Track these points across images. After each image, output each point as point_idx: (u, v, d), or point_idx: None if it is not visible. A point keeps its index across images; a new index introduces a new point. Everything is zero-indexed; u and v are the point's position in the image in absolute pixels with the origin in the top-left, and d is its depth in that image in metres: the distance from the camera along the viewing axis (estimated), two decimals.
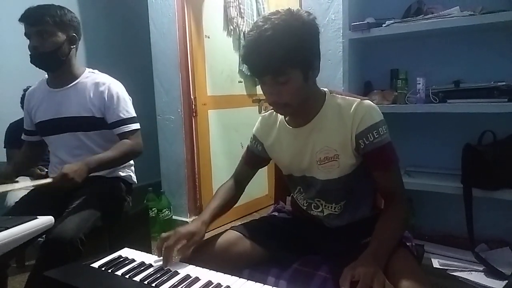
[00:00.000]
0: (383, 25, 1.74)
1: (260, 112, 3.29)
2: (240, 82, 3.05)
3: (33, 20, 1.44)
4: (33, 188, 1.43)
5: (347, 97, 1.05)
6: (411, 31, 1.68)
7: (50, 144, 1.64)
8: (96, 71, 1.64)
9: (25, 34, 1.47)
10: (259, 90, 3.25)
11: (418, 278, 0.84)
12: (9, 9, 2.52)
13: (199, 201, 2.81)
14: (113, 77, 1.64)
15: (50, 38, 1.46)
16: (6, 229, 1.02)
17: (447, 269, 1.63)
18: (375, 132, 0.99)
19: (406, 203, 1.04)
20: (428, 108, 1.70)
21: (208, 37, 2.74)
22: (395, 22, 1.72)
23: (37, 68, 1.55)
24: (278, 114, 1.16)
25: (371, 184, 1.09)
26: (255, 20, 2.98)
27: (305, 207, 1.16)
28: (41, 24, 1.44)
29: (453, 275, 1.59)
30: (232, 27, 2.85)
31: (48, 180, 1.35)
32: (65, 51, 1.52)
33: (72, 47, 1.54)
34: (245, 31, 2.95)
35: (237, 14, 2.85)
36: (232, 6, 2.80)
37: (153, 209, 2.63)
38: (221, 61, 2.87)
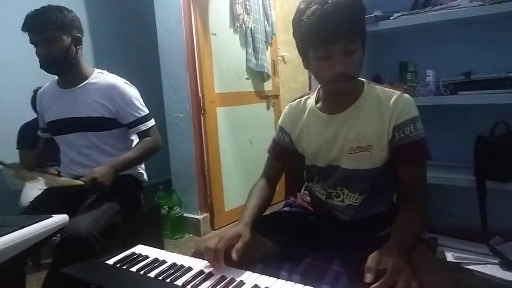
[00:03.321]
0: (391, 18, 1.72)
1: (268, 108, 3.29)
2: (247, 79, 3.05)
3: (37, 29, 1.43)
4: (64, 186, 1.44)
5: (386, 89, 1.06)
6: (419, 23, 1.66)
7: (61, 143, 1.67)
8: (105, 71, 1.66)
9: (31, 42, 1.47)
10: (266, 86, 3.26)
11: (438, 272, 0.84)
12: (18, 11, 2.55)
13: (210, 198, 2.82)
14: (122, 77, 1.66)
15: (57, 44, 1.47)
16: (22, 228, 1.04)
17: (461, 262, 1.61)
18: (412, 126, 1.00)
19: (426, 201, 1.03)
20: (439, 101, 1.69)
21: (215, 35, 2.74)
22: (403, 15, 1.70)
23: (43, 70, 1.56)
24: (308, 101, 1.15)
25: (394, 181, 1.08)
26: (261, 16, 3.02)
27: (324, 197, 1.15)
28: (45, 31, 1.44)
29: (467, 268, 1.58)
30: (238, 24, 2.85)
31: (80, 182, 1.42)
32: (72, 54, 1.53)
33: (78, 47, 1.55)
34: (251, 27, 2.94)
35: (243, 11, 2.85)
36: (238, 3, 2.80)
37: (164, 207, 2.65)
38: (228, 58, 2.88)
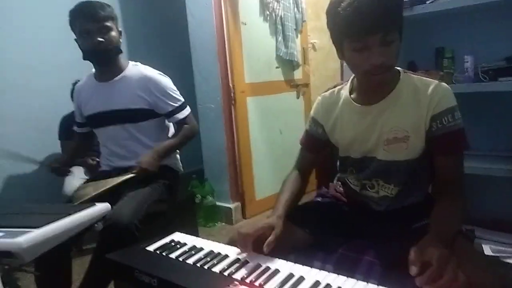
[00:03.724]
0: (427, 2, 1.66)
1: (298, 97, 3.27)
2: (277, 67, 3.04)
3: (95, 17, 1.48)
4: (119, 183, 1.51)
5: (424, 78, 1.04)
6: (457, 7, 1.59)
7: (100, 136, 1.73)
8: (139, 63, 1.70)
9: (83, 31, 1.50)
10: (296, 75, 3.24)
11: (483, 266, 0.84)
12: (57, 9, 2.66)
13: (241, 187, 2.87)
14: (154, 68, 1.70)
15: (112, 33, 1.54)
16: (69, 215, 1.11)
17: (499, 255, 1.56)
18: (450, 116, 0.98)
19: (464, 193, 1.00)
20: (478, 88, 1.62)
21: (245, 24, 2.74)
22: None
23: (85, 62, 1.61)
24: (341, 92, 1.14)
25: (432, 173, 1.07)
26: (291, 3, 2.98)
27: (358, 188, 1.15)
28: (102, 20, 1.50)
29: (507, 262, 1.52)
30: (268, 12, 2.84)
31: (131, 175, 1.51)
32: (119, 46, 1.60)
33: (121, 40, 1.61)
34: (281, 15, 2.92)
35: None
36: None
37: (197, 196, 2.72)
38: (258, 48, 2.88)
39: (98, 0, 1.54)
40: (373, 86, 1.04)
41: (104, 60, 1.58)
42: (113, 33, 1.54)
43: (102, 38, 1.50)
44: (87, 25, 1.49)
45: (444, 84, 1.01)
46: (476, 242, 1.56)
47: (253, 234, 0.94)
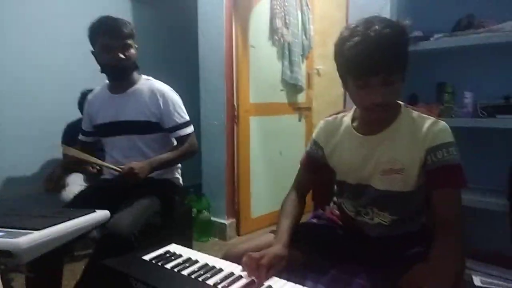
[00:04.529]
0: (431, 39, 1.73)
1: (300, 120, 3.32)
2: (282, 90, 3.11)
3: (118, 34, 1.53)
4: (103, 167, 1.54)
5: (423, 114, 1.06)
6: (459, 45, 1.66)
7: (107, 145, 1.76)
8: (151, 78, 1.75)
9: (105, 46, 1.55)
10: (300, 98, 3.30)
11: None
12: (70, 22, 2.74)
13: (237, 204, 2.88)
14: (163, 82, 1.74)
15: (132, 51, 1.60)
16: (69, 220, 1.13)
17: (489, 287, 1.57)
18: (445, 151, 0.99)
19: (461, 234, 0.97)
20: (476, 123, 1.67)
21: (253, 47, 2.82)
22: (444, 36, 1.70)
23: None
24: (344, 119, 1.17)
25: (427, 207, 1.08)
26: (299, 30, 3.07)
27: (353, 214, 1.17)
28: (125, 38, 1.55)
29: None
30: (277, 37, 2.92)
31: (117, 168, 1.51)
32: (136, 62, 1.65)
33: (137, 56, 1.66)
34: (289, 41, 3.00)
35: (283, 25, 2.92)
36: (278, 17, 2.87)
37: (193, 210, 2.73)
38: (265, 70, 2.95)
39: (116, 17, 1.59)
40: (372, 120, 1.08)
41: (122, 75, 1.63)
42: (132, 51, 1.60)
43: (123, 55, 1.56)
44: (110, 41, 1.54)
45: (442, 121, 1.03)
46: (467, 273, 1.57)
47: (267, 266, 0.93)
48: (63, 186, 1.80)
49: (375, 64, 0.92)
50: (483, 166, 1.84)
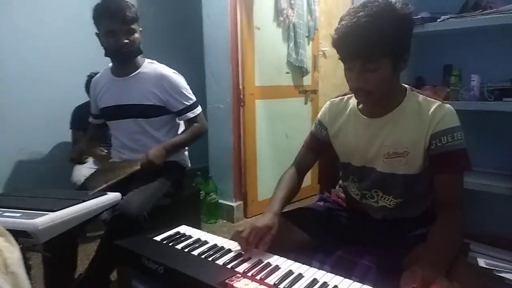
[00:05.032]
0: (438, 20, 1.71)
1: (306, 103, 3.32)
2: (287, 73, 3.10)
3: (122, 18, 1.52)
4: (126, 176, 1.55)
5: (428, 98, 1.06)
6: (466, 27, 1.64)
7: (113, 129, 1.79)
8: (155, 61, 1.75)
9: (109, 31, 1.54)
10: (305, 81, 3.29)
11: (469, 274, 0.88)
12: (77, 4, 2.73)
13: (244, 187, 2.92)
14: (168, 66, 1.75)
15: (136, 35, 1.59)
16: (83, 202, 1.17)
17: (493, 269, 1.60)
18: (450, 136, 1.00)
19: (462, 214, 1.00)
20: (483, 106, 1.66)
21: (258, 28, 2.80)
22: (451, 17, 1.68)
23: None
24: (350, 101, 1.18)
25: (431, 189, 1.10)
26: (304, 11, 3.04)
27: (358, 197, 1.19)
28: (129, 23, 1.54)
29: (499, 276, 1.57)
30: (282, 18, 2.89)
31: (138, 167, 1.56)
32: (140, 45, 1.65)
33: (141, 39, 1.65)
34: (294, 22, 2.97)
35: (288, 5, 2.88)
36: None
37: (201, 192, 2.77)
38: (270, 52, 2.93)
39: (123, 0, 1.57)
40: (364, 104, 1.11)
41: (126, 59, 1.64)
42: (137, 35, 1.60)
43: (127, 39, 1.56)
44: (114, 26, 1.53)
45: (447, 105, 1.04)
46: (471, 256, 1.60)
47: (254, 241, 0.97)
48: (86, 158, 1.95)
49: (351, 50, 0.95)
50: (489, 149, 1.84)
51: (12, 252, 0.73)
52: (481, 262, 1.63)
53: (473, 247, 1.67)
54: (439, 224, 0.98)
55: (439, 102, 1.04)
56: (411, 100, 1.07)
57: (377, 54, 0.94)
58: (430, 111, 1.02)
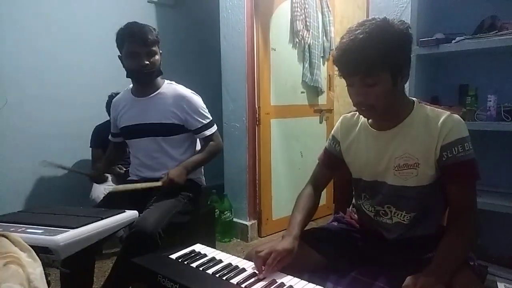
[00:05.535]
0: (453, 41, 1.71)
1: (321, 122, 3.33)
2: (302, 92, 3.13)
3: (144, 41, 1.61)
4: (146, 187, 1.64)
5: (436, 109, 1.07)
6: (481, 48, 1.64)
7: (132, 147, 1.84)
8: (173, 82, 1.82)
9: (131, 53, 1.62)
10: (321, 100, 3.31)
11: None
12: (98, 27, 2.85)
13: (259, 206, 2.92)
14: (186, 86, 1.81)
15: (156, 57, 1.67)
16: (102, 219, 1.20)
17: None
18: (460, 147, 1.00)
19: (475, 224, 1.01)
20: (499, 126, 1.64)
21: (274, 50, 2.86)
22: (466, 38, 1.69)
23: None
24: (361, 116, 1.20)
25: (444, 202, 1.10)
26: (320, 32, 3.08)
27: (372, 214, 1.19)
28: (150, 45, 1.63)
29: None
30: (297, 40, 2.94)
31: (159, 183, 1.62)
32: (160, 67, 1.72)
33: (161, 61, 1.73)
34: (310, 43, 3.02)
35: (303, 27, 2.94)
36: (299, 20, 2.89)
37: (215, 210, 2.79)
38: (286, 72, 2.98)
39: (143, 24, 1.66)
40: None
41: (147, 80, 1.71)
42: (157, 57, 1.68)
43: (148, 61, 1.63)
44: (136, 48, 1.61)
45: (455, 115, 1.04)
46: (491, 279, 1.55)
47: (273, 264, 0.98)
48: (106, 177, 2.04)
49: (350, 65, 0.98)
50: (507, 170, 1.82)
51: (35, 268, 0.76)
52: (501, 286, 1.58)
53: (492, 270, 1.62)
54: (448, 234, 1.00)
55: (448, 113, 1.05)
56: (419, 112, 1.08)
57: (375, 69, 0.96)
58: (439, 122, 1.03)
